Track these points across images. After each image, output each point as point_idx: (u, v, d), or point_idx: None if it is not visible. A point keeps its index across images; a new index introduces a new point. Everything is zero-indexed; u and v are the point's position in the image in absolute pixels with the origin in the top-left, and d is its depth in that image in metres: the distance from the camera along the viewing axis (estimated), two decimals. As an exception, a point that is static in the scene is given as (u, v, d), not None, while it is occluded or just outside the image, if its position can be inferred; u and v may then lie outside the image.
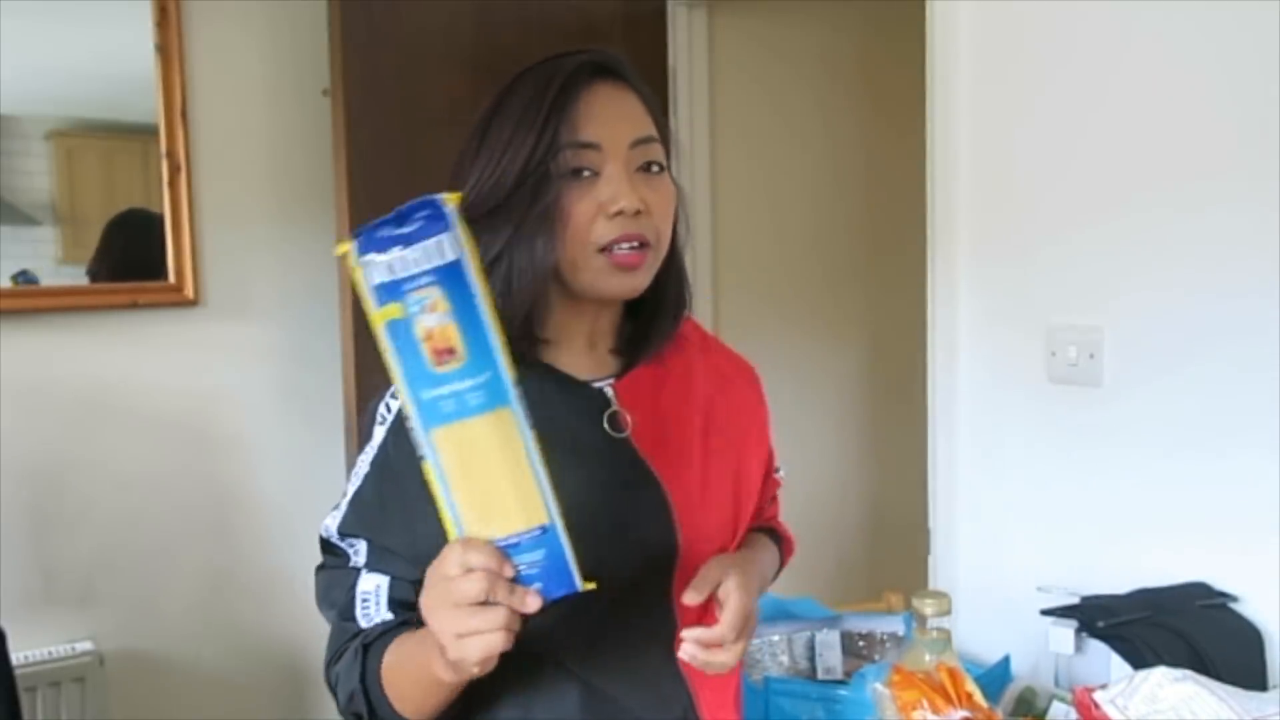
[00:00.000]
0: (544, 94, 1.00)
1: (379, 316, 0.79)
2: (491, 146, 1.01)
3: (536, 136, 0.99)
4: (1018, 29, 1.88)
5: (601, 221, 1.00)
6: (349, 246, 0.79)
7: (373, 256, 0.78)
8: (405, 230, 0.78)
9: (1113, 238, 1.76)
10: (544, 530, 0.82)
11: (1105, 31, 1.75)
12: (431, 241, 0.78)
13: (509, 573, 0.82)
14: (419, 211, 0.79)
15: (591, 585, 0.84)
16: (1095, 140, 1.78)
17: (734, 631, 0.99)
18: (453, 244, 0.78)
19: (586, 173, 1.00)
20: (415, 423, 0.81)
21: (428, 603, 0.85)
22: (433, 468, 0.82)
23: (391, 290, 0.78)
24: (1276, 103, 1.55)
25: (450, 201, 0.79)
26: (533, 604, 0.82)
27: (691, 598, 1.00)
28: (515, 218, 0.99)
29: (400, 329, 0.79)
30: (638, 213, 1.00)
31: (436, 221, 0.78)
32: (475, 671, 0.85)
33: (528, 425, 0.81)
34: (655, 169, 1.04)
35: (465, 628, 0.82)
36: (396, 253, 0.78)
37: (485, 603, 0.82)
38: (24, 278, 2.30)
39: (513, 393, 0.80)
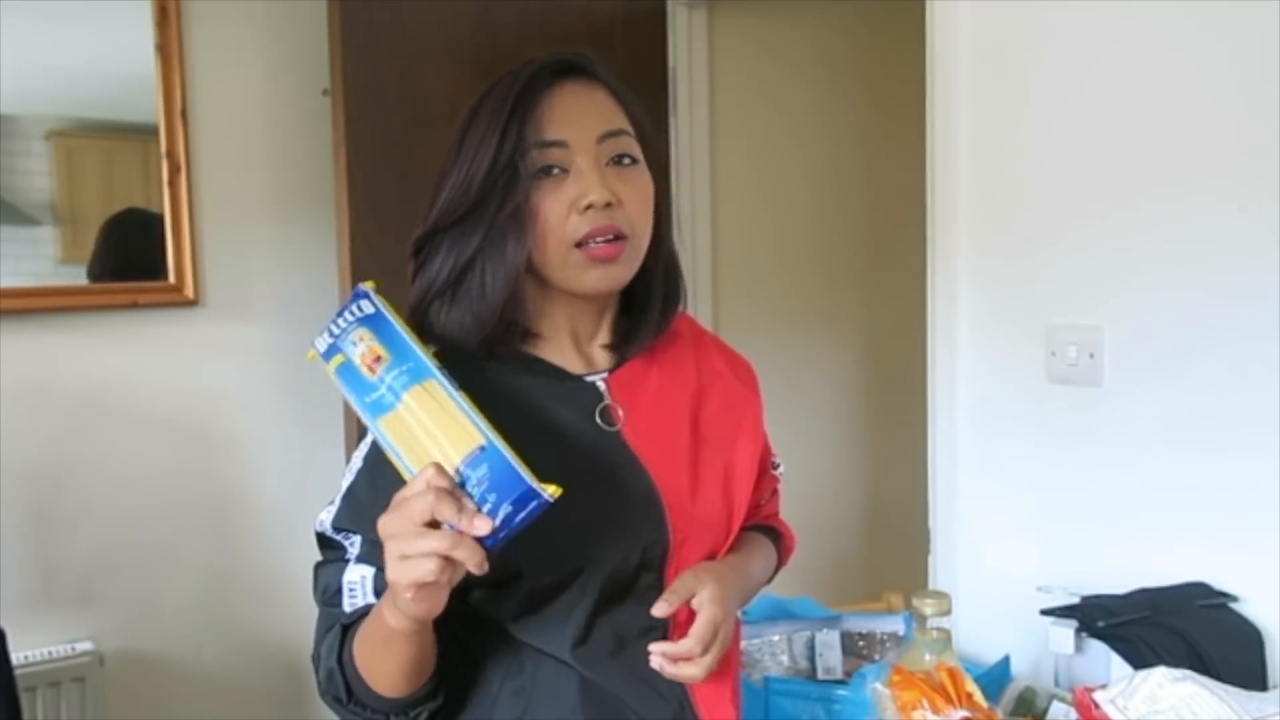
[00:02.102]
0: (507, 97, 1.01)
1: (331, 369, 0.96)
2: (464, 154, 1.02)
3: (500, 139, 1.00)
4: (1017, 29, 1.88)
5: (574, 217, 1.01)
6: (313, 350, 0.98)
7: (320, 338, 0.97)
8: (338, 311, 0.97)
9: (1112, 237, 1.76)
10: (482, 449, 0.86)
11: (1105, 31, 1.75)
12: (354, 305, 0.96)
13: (469, 505, 0.83)
14: (352, 299, 0.97)
15: (553, 489, 0.84)
16: (1095, 140, 1.78)
17: (701, 645, 1.00)
18: (369, 304, 0.96)
19: (555, 170, 1.01)
20: (368, 423, 0.93)
21: (384, 520, 0.85)
22: (389, 451, 0.91)
23: (333, 349, 0.96)
24: (1277, 102, 1.55)
25: (367, 284, 0.97)
26: (481, 526, 0.82)
27: (661, 609, 1.01)
28: (486, 221, 1.01)
29: (347, 368, 0.95)
30: (609, 205, 1.01)
31: (357, 297, 0.97)
32: (408, 599, 0.84)
33: (455, 388, 0.90)
34: (627, 161, 1.04)
35: (408, 548, 0.82)
36: (331, 325, 0.97)
37: (437, 527, 0.82)
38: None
39: (436, 370, 0.91)
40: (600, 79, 1.06)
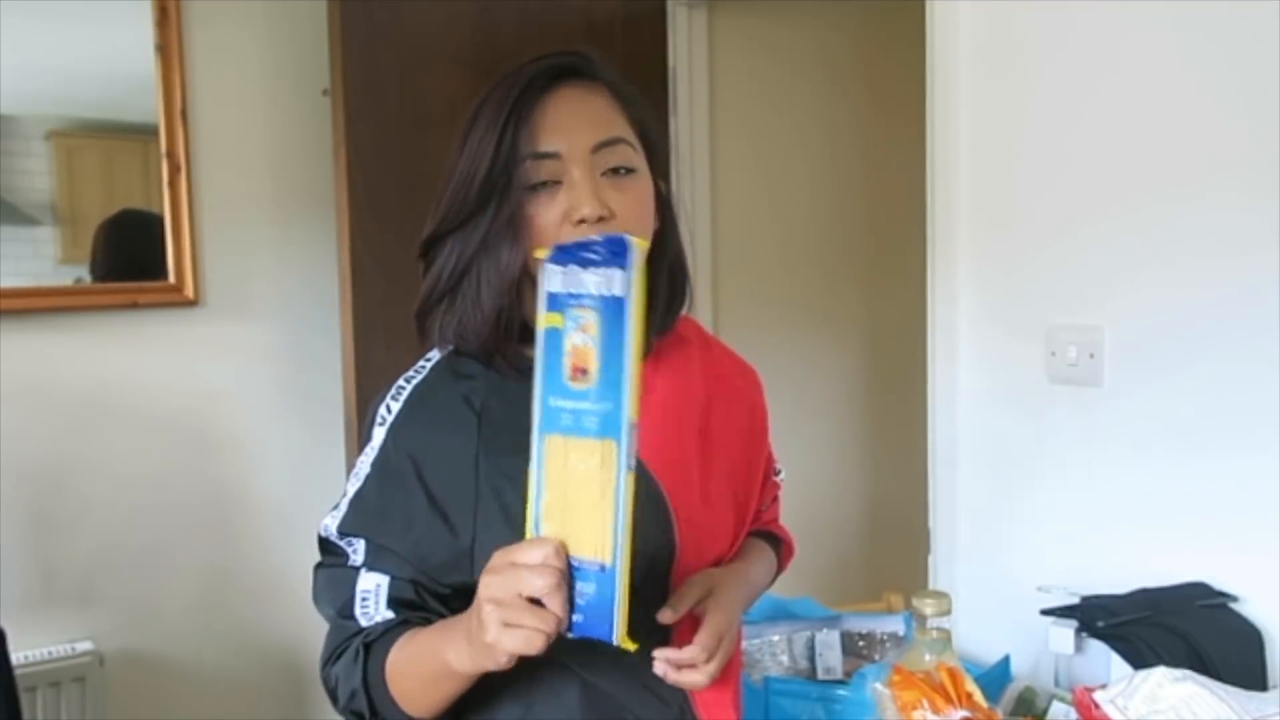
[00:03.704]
0: (504, 104, 1.00)
1: (542, 321, 0.87)
2: (464, 157, 1.02)
3: (496, 148, 0.99)
4: (1017, 29, 1.88)
5: (566, 229, 1.00)
6: (545, 252, 0.88)
7: (554, 267, 0.86)
8: (590, 255, 0.85)
9: (1112, 238, 1.76)
10: (602, 569, 0.83)
11: (1105, 32, 1.75)
12: (605, 271, 0.84)
13: (567, 602, 0.84)
14: (609, 245, 0.85)
15: (631, 646, 0.84)
16: (1095, 140, 1.77)
17: (706, 652, 1.00)
18: (623, 282, 0.83)
19: (549, 182, 1.00)
20: (535, 424, 0.86)
21: (490, 581, 0.85)
22: (533, 470, 0.86)
23: (558, 301, 0.86)
24: (1276, 101, 1.55)
25: (639, 246, 0.85)
26: (563, 626, 0.84)
27: (667, 616, 1.00)
28: (482, 228, 1.00)
29: (554, 338, 0.86)
30: (601, 219, 1.00)
31: (619, 258, 0.84)
32: (502, 663, 0.86)
33: (626, 465, 0.83)
34: (624, 171, 1.03)
35: (516, 619, 0.83)
36: (574, 270, 0.85)
37: (539, 605, 0.83)
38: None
39: (625, 430, 0.83)
40: (601, 80, 1.05)
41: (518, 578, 0.83)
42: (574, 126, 1.01)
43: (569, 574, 0.84)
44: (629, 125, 1.05)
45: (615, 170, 1.02)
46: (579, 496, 0.84)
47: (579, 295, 0.85)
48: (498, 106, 1.01)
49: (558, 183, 1.01)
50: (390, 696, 0.96)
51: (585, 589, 0.84)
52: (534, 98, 1.01)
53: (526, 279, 1.02)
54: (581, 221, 0.99)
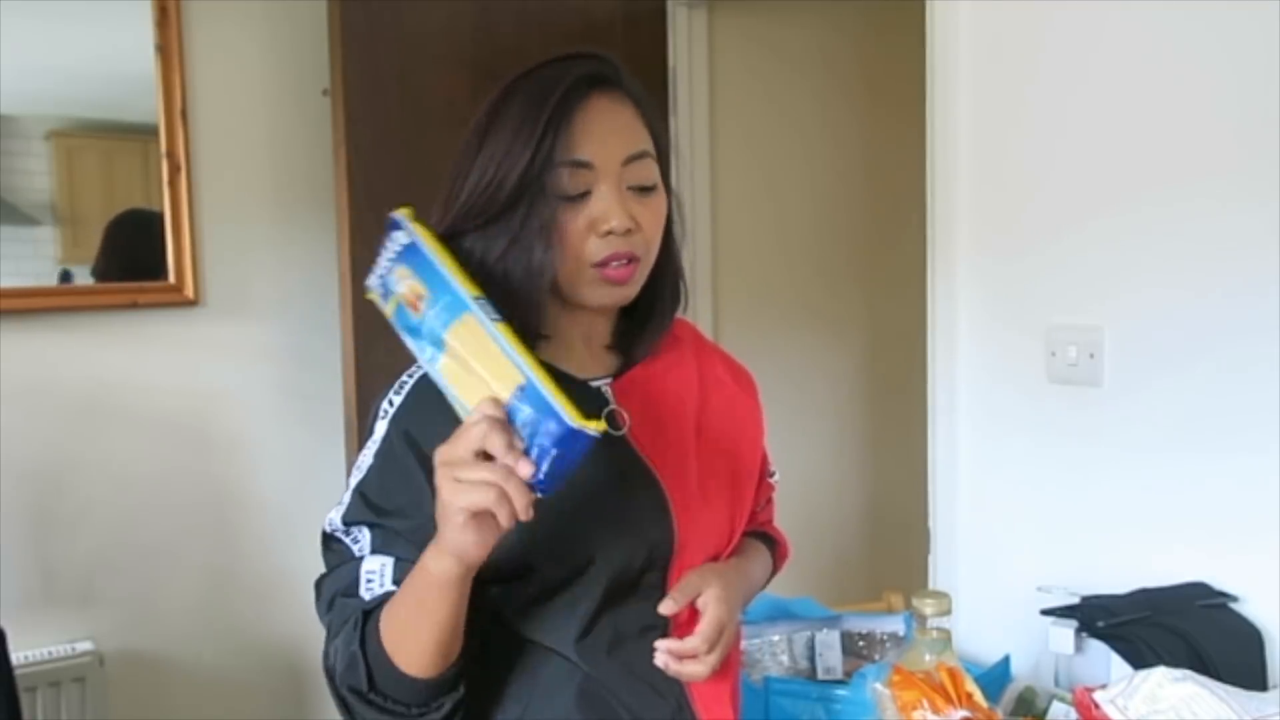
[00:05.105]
0: (541, 107, 1.00)
1: (388, 312, 0.97)
2: (487, 156, 1.01)
3: (533, 152, 0.99)
4: (1017, 29, 1.88)
5: (593, 239, 1.01)
6: (371, 291, 0.99)
7: (371, 279, 0.98)
8: (385, 247, 0.98)
9: (1112, 237, 1.76)
10: (522, 388, 0.86)
11: (1106, 32, 1.75)
12: (390, 241, 0.97)
13: (518, 445, 0.84)
14: (387, 229, 0.98)
15: (596, 425, 0.85)
16: (1095, 139, 1.78)
17: (707, 644, 1.01)
18: (405, 234, 0.96)
19: (580, 190, 1.01)
20: (427, 370, 0.94)
21: (441, 449, 0.86)
22: (446, 395, 0.92)
23: (386, 290, 0.97)
24: (1276, 101, 1.55)
25: (401, 211, 0.97)
26: (524, 469, 0.83)
27: (668, 607, 1.02)
28: (511, 229, 1.01)
29: (400, 311, 0.95)
30: (628, 231, 1.01)
31: (392, 227, 0.97)
32: (459, 524, 0.85)
33: (490, 320, 0.89)
34: (648, 184, 1.05)
35: (462, 474, 0.84)
36: (378, 262, 0.97)
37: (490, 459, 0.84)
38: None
39: (471, 302, 0.90)
40: (627, 90, 1.06)
41: (462, 437, 0.85)
42: (607, 137, 1.02)
43: (509, 421, 0.86)
44: (649, 136, 1.07)
45: (640, 183, 1.04)
46: (473, 366, 0.89)
47: (389, 267, 0.96)
48: (533, 109, 1.00)
49: (587, 192, 1.01)
50: (385, 654, 0.94)
51: (523, 415, 0.85)
52: (572, 105, 1.01)
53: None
54: (609, 233, 1.01)
